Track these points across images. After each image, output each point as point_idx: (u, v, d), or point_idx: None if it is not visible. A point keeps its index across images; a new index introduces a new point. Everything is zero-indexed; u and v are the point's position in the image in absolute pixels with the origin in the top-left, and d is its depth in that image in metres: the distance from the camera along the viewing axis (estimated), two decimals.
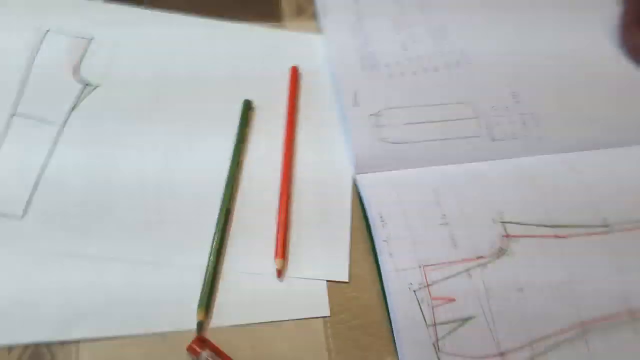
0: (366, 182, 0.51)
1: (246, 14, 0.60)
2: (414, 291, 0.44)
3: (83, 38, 0.57)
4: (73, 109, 0.52)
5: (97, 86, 0.54)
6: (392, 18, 0.61)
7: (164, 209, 0.48)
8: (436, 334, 0.43)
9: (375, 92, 0.55)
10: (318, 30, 0.61)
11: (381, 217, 0.47)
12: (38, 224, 0.47)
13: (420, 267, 0.45)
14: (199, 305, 0.43)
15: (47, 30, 0.57)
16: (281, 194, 0.50)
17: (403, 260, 0.46)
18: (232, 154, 0.51)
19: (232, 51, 0.58)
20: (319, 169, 0.53)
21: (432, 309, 0.44)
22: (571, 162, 0.52)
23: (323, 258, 0.48)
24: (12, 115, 0.52)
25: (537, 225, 0.48)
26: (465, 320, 0.44)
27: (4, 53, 0.55)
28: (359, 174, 0.51)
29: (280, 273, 0.46)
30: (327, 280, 0.47)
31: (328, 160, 0.53)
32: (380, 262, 0.46)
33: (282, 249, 0.47)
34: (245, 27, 0.60)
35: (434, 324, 0.43)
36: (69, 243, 0.46)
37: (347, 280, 0.47)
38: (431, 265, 0.45)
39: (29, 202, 0.48)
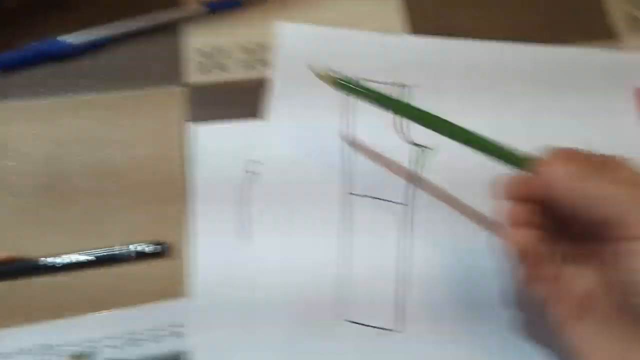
0: None
1: (581, 35, 0.50)
2: None
3: (394, 85, 0.47)
4: (416, 181, 0.43)
5: (432, 149, 0.44)
6: None
7: None
8: None
9: None
10: None
11: None
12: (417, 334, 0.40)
13: None
14: None
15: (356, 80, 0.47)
16: None
17: None
18: None
19: (569, 80, 0.48)
20: None
21: None
22: None
23: None
24: (349, 193, 0.43)
25: None
26: None
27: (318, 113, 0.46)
28: None
29: None
30: None
31: None
32: None
33: None
34: (576, 51, 0.50)
35: None
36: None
37: None
38: None
39: (401, 311, 0.40)
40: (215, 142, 0.45)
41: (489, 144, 0.37)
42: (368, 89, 0.40)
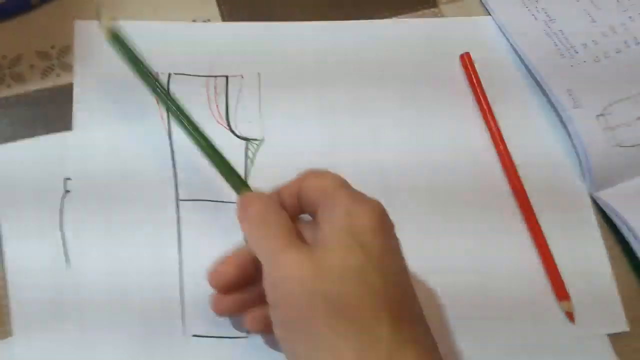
0: (616, 201, 0.42)
1: (393, 7, 0.49)
2: None
3: (216, 76, 0.44)
4: (245, 178, 0.40)
5: (260, 140, 0.42)
6: None
7: None
8: None
9: (590, 84, 0.45)
10: (481, 10, 0.50)
11: None
12: None
13: None
14: None
15: (170, 74, 0.43)
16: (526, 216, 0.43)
17: None
18: None
19: (392, 53, 0.47)
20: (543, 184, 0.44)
21: None
22: None
23: (588, 303, 0.41)
24: (178, 200, 0.39)
25: None
26: None
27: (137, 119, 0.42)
28: (597, 190, 0.43)
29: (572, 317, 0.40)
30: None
31: (548, 172, 0.45)
32: None
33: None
34: (396, 22, 0.49)
35: None
36: None
37: (627, 330, 0.40)
38: None
39: None
40: (15, 163, 0.39)
41: (221, 164, 0.35)
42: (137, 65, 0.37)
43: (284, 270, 0.28)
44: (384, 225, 0.29)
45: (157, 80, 0.36)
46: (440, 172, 0.43)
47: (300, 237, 0.30)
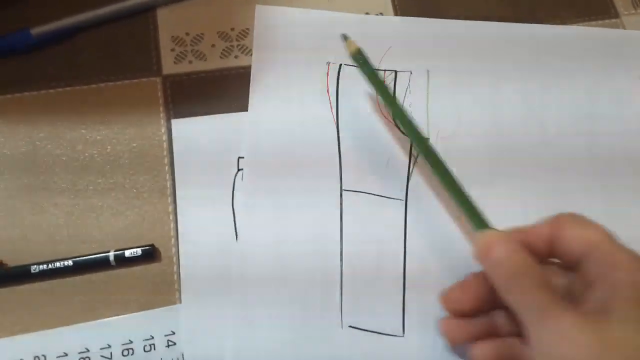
0: None
1: (569, 13, 0.48)
2: None
3: (385, 70, 0.44)
4: (411, 171, 0.41)
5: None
6: None
7: None
8: None
9: None
10: None
11: None
12: (417, 338, 0.38)
13: None
14: None
15: (341, 65, 0.44)
16: None
17: None
18: None
19: (567, 60, 0.46)
20: None
21: None
22: None
23: None
24: (342, 189, 0.40)
25: None
26: None
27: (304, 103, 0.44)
28: None
29: None
30: None
31: None
32: None
33: None
34: (573, 28, 0.47)
35: None
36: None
37: None
38: None
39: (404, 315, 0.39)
40: (196, 137, 0.42)
41: (461, 197, 0.35)
42: (375, 80, 0.39)
43: (562, 339, 0.26)
44: None
45: (392, 94, 0.39)
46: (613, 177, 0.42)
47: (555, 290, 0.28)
